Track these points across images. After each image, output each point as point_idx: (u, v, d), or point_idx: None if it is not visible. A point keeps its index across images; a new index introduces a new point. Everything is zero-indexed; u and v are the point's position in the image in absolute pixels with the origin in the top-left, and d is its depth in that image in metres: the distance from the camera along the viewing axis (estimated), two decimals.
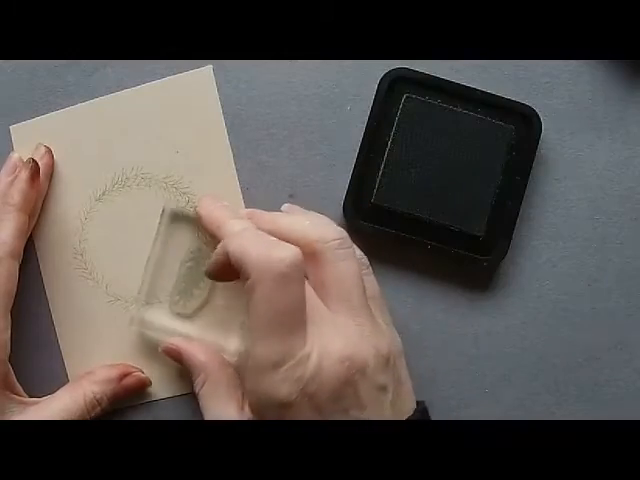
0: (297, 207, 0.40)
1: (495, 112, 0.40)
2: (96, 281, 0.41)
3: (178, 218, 0.40)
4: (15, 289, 0.37)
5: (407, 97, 0.40)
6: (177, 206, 0.41)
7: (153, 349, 0.40)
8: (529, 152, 0.40)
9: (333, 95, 0.42)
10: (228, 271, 0.34)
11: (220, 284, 0.40)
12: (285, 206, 0.40)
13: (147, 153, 0.41)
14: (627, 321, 0.41)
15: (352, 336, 0.33)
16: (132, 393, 0.40)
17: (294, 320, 0.32)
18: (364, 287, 0.35)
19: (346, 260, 0.34)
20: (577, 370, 0.41)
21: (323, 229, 0.35)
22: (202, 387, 0.36)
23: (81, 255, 0.41)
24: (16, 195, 0.38)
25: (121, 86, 0.42)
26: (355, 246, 0.37)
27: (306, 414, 0.32)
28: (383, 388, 0.33)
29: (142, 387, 0.40)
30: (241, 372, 0.37)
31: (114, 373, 0.39)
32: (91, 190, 0.41)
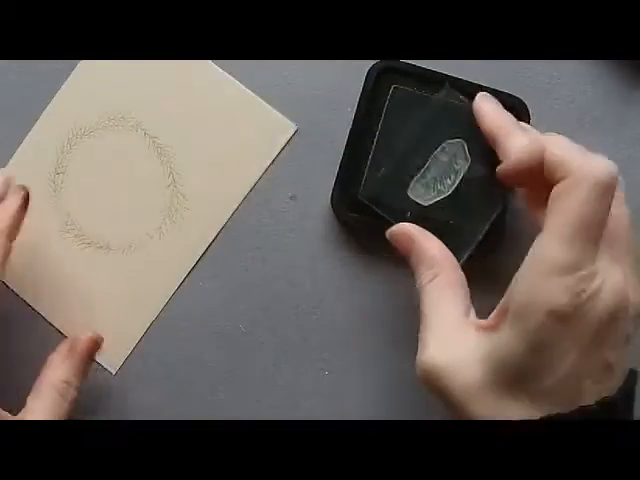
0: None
1: None
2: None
3: (446, 108, 0.38)
4: None
5: (395, 88, 0.40)
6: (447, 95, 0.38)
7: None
8: None
9: (333, 95, 0.42)
10: (523, 174, 0.33)
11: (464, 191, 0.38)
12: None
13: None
14: None
15: (625, 272, 0.32)
16: (89, 355, 0.39)
17: (595, 233, 0.31)
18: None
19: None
20: None
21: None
22: (431, 281, 0.34)
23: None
24: (7, 219, 0.37)
25: None
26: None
27: (563, 339, 0.30)
28: (628, 338, 0.32)
29: (95, 345, 0.39)
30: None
31: (64, 349, 0.39)
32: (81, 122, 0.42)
